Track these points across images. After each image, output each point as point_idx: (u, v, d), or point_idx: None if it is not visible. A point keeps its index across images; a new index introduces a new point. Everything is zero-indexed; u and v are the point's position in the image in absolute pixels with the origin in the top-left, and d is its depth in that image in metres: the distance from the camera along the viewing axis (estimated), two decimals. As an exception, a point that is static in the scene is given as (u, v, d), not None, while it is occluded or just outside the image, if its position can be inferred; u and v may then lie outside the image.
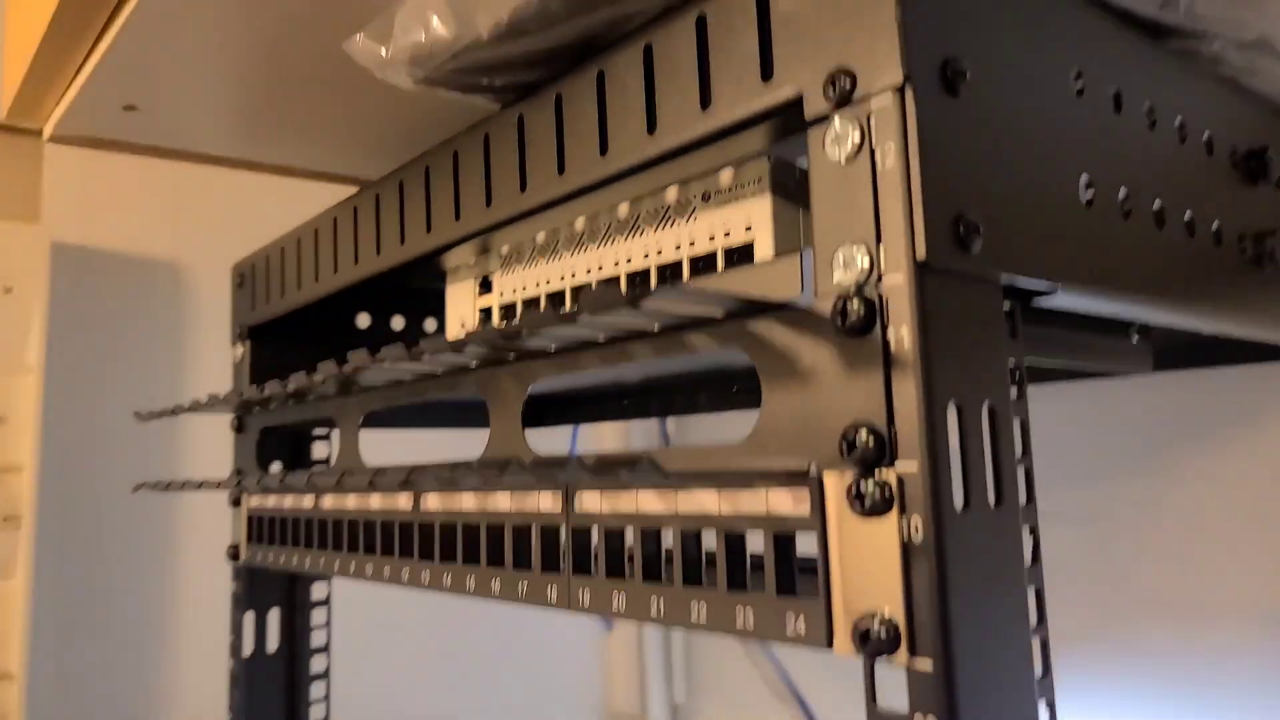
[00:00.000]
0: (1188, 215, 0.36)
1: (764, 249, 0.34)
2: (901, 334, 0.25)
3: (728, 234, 0.36)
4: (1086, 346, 0.37)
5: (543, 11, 0.31)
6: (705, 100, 0.31)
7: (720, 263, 0.36)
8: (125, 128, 0.53)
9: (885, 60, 0.25)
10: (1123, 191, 0.32)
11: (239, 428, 0.65)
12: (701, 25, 0.31)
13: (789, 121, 0.29)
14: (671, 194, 0.38)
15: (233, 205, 0.85)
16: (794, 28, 0.28)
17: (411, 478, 0.35)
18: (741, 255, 0.35)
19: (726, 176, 0.36)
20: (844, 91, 0.26)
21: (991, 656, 0.25)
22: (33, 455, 0.69)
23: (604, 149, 0.35)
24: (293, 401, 0.56)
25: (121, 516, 0.78)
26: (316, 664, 0.68)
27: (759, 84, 0.29)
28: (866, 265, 0.25)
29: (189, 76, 0.47)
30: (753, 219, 0.35)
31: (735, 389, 0.60)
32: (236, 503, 0.63)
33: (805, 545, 0.28)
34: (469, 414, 0.76)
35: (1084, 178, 0.30)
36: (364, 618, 0.81)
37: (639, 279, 0.39)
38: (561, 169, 0.37)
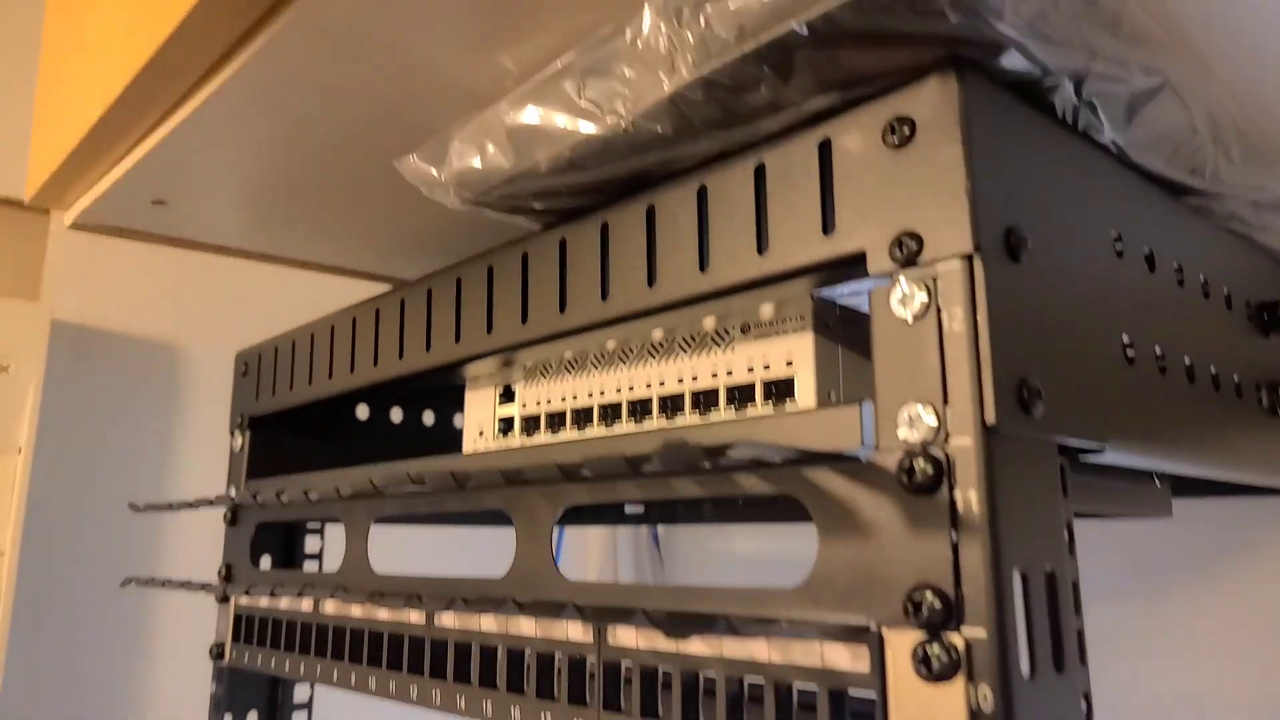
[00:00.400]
0: (1213, 369, 0.37)
1: (805, 385, 0.35)
2: (969, 496, 0.25)
3: (767, 367, 0.36)
4: (1117, 494, 0.37)
5: (604, 151, 0.32)
6: (762, 245, 0.31)
7: (759, 395, 0.36)
8: (151, 221, 0.53)
9: (954, 228, 0.26)
10: (1158, 349, 0.33)
11: (233, 520, 0.64)
12: (760, 174, 0.32)
13: (847, 272, 0.30)
14: (709, 323, 0.38)
15: (234, 290, 0.85)
16: (857, 186, 0.28)
17: (426, 594, 0.34)
18: (780, 389, 0.36)
19: (767, 311, 0.37)
20: (910, 253, 0.27)
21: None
22: (14, 540, 0.67)
23: (651, 280, 0.35)
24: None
25: (101, 606, 0.76)
26: (296, 771, 0.65)
27: (819, 235, 0.29)
28: (934, 424, 0.26)
29: (222, 177, 0.48)
30: (794, 354, 0.35)
31: (741, 502, 0.60)
32: (225, 599, 0.62)
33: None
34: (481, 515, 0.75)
35: (1125, 337, 0.31)
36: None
37: (670, 403, 0.39)
38: (605, 294, 0.37)
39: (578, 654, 0.36)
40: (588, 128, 0.31)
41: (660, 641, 0.32)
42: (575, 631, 0.36)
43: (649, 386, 0.40)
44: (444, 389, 0.72)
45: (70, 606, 0.73)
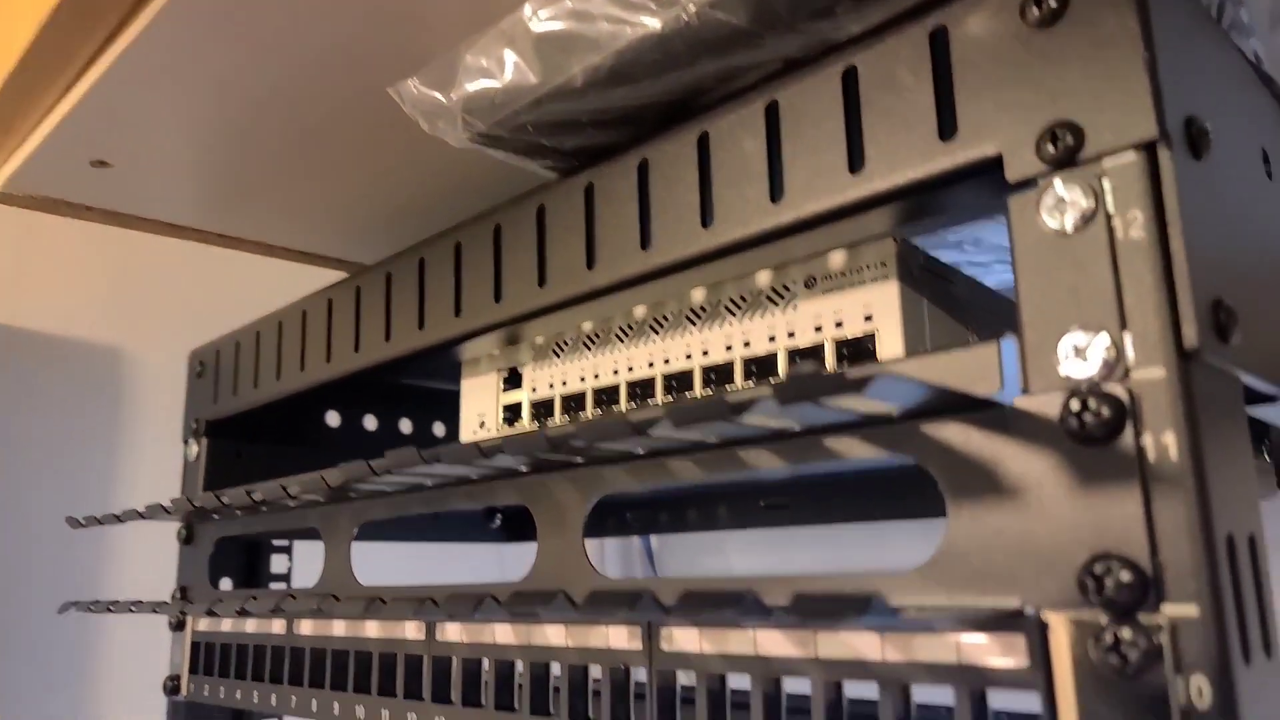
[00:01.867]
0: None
1: (890, 341, 0.30)
2: (1165, 441, 0.20)
3: (839, 324, 0.31)
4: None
5: (657, 55, 0.27)
6: (856, 162, 0.26)
7: (830, 359, 0.31)
8: (92, 187, 0.47)
9: (1129, 113, 0.21)
10: (1302, 288, 0.28)
11: (188, 538, 0.57)
12: (851, 79, 0.26)
13: (968, 190, 0.25)
14: (764, 279, 0.33)
15: (183, 290, 0.78)
16: (987, 76, 0.23)
17: (430, 605, 0.28)
18: (855, 350, 0.31)
19: (838, 260, 0.31)
20: (1067, 149, 0.22)
21: None
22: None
23: (707, 218, 0.30)
24: (264, 508, 0.49)
25: (38, 634, 0.67)
26: (260, 819, 0.58)
27: (935, 142, 0.24)
28: (1111, 356, 0.20)
29: (170, 130, 0.42)
30: (874, 307, 0.30)
31: (763, 503, 0.55)
32: (179, 626, 0.54)
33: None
34: (473, 526, 0.69)
35: (1280, 269, 0.27)
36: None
37: (716, 374, 0.34)
38: (646, 242, 0.32)
39: (621, 664, 0.30)
40: (640, 22, 0.25)
41: (732, 642, 0.27)
42: (619, 638, 0.30)
43: (689, 357, 0.35)
44: (422, 394, 0.65)
45: (2, 634, 0.65)
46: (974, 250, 0.46)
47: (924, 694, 0.24)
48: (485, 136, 0.33)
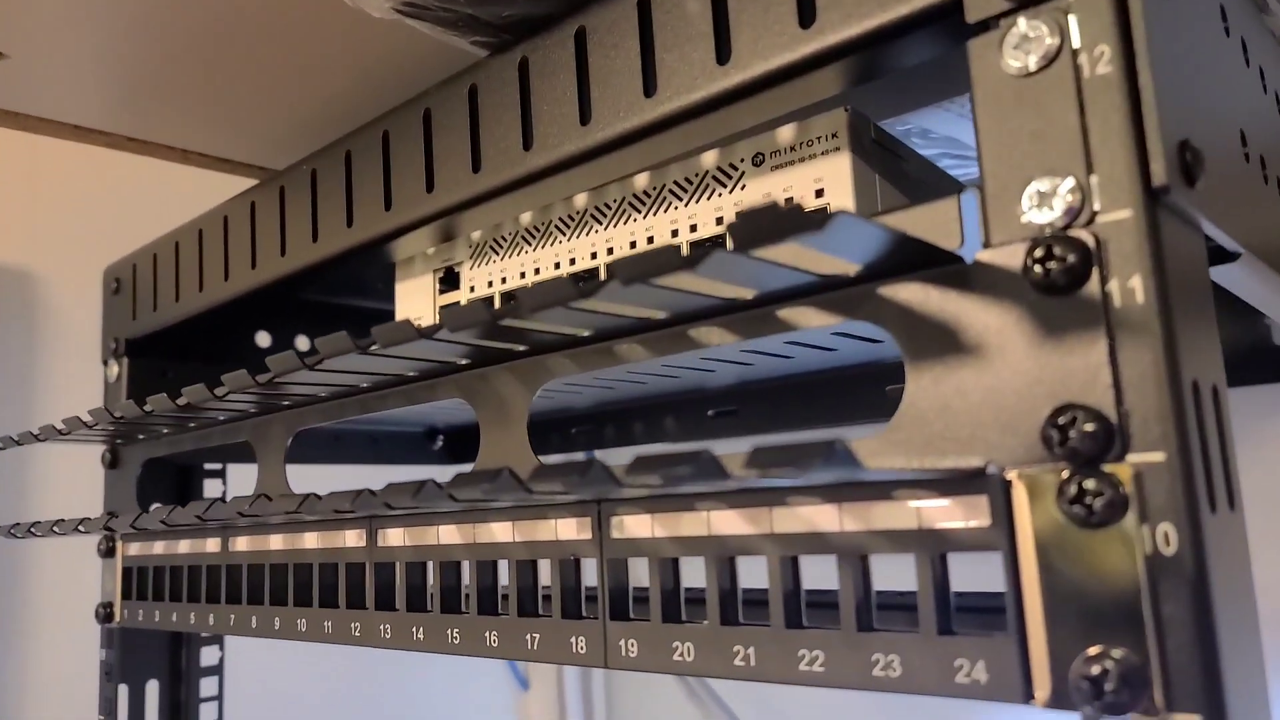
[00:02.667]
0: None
1: (842, 215, 0.28)
2: (1131, 285, 0.19)
3: (790, 201, 0.30)
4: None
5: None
6: (807, 15, 0.25)
7: (780, 235, 0.30)
8: (-14, 84, 0.43)
9: (1096, -62, 0.20)
10: (1260, 155, 0.28)
11: (113, 462, 0.54)
12: (801, -77, 0.25)
13: (929, 37, 0.23)
14: (710, 158, 0.32)
15: (95, 205, 0.73)
16: (945, -87, 0.22)
17: (364, 510, 0.27)
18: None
19: (787, 134, 0.30)
20: (1031, -17, 0.20)
21: (1256, 697, 0.19)
22: None
23: (650, 88, 0.28)
24: (192, 425, 0.47)
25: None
26: (205, 745, 0.56)
27: (891, -13, 0.23)
28: (1076, 201, 0.20)
29: (70, 18, 0.38)
30: (825, 181, 0.29)
31: (711, 413, 0.54)
32: (109, 552, 0.52)
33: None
34: (415, 448, 0.68)
35: (1242, 133, 0.26)
36: (261, 687, 0.70)
37: (662, 262, 0.33)
38: (586, 117, 0.30)
39: (571, 555, 0.29)
40: None
41: (685, 525, 0.26)
42: (568, 529, 0.29)
43: (634, 245, 0.34)
44: (356, 313, 0.63)
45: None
46: (922, 143, 0.45)
47: (883, 578, 0.24)
48: (409, 5, 0.30)
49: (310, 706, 0.80)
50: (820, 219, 0.17)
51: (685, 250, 0.32)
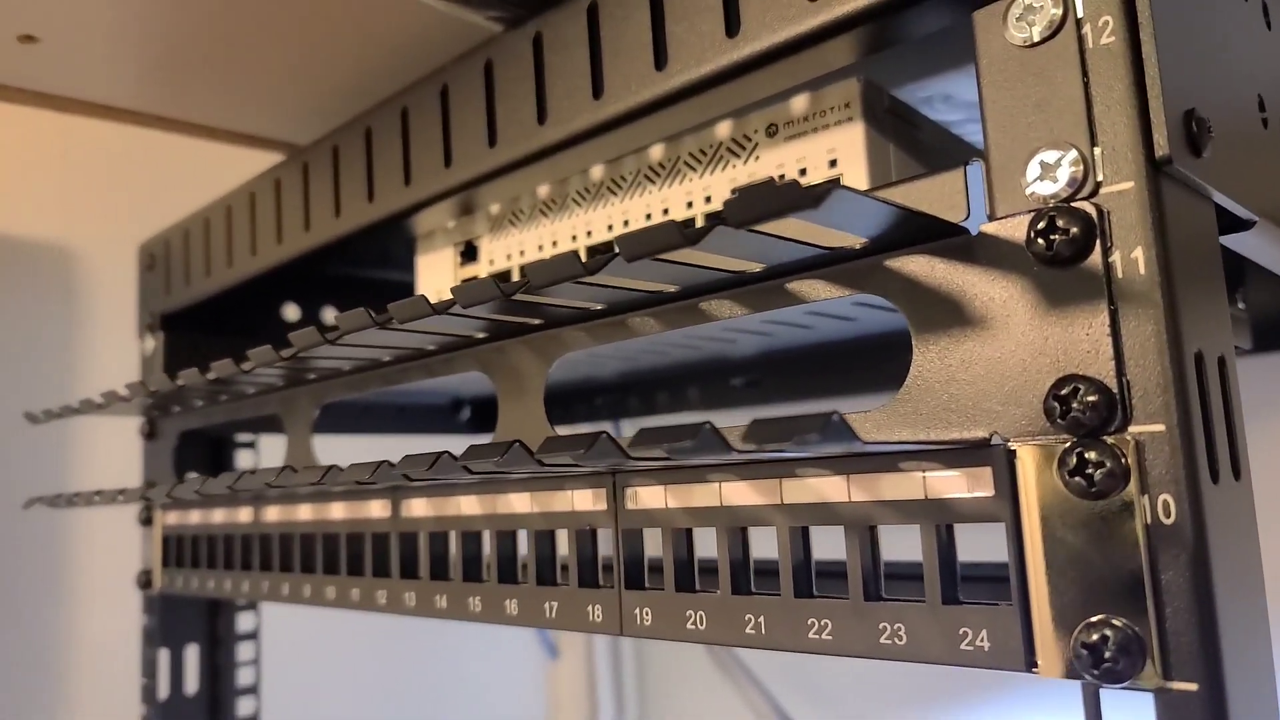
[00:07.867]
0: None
1: (855, 183, 0.29)
2: (1134, 257, 0.19)
3: (803, 171, 0.30)
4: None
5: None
6: (816, -14, 0.24)
7: (793, 207, 0.30)
8: (20, 67, 0.44)
9: (1102, -94, 0.19)
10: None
11: (150, 433, 0.56)
12: (809, -106, 0.25)
13: (937, 6, 0.23)
14: (724, 130, 0.32)
15: (131, 184, 0.75)
16: (952, -118, 0.22)
17: (391, 475, 0.28)
18: (819, 198, 0.29)
19: (800, 104, 0.30)
20: (1036, -48, 0.20)
21: (1258, 668, 0.19)
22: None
23: (660, 60, 0.28)
24: (224, 398, 0.48)
25: (5, 535, 0.67)
26: (244, 707, 0.58)
27: (899, -42, 0.23)
28: (1079, 172, 0.19)
29: (98, 2, 0.39)
30: (839, 151, 0.29)
31: (736, 382, 0.54)
32: (148, 521, 0.54)
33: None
34: (441, 419, 0.69)
35: (1260, 98, 0.26)
36: (296, 653, 0.72)
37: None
38: (599, 91, 0.30)
39: (587, 525, 0.30)
40: None
41: (696, 496, 0.26)
42: (584, 500, 0.30)
43: (649, 217, 0.34)
44: (381, 285, 0.64)
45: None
46: (944, 108, 0.44)
47: (891, 550, 0.24)
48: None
49: (344, 672, 0.82)
50: (817, 195, 0.17)
51: (700, 221, 0.32)
